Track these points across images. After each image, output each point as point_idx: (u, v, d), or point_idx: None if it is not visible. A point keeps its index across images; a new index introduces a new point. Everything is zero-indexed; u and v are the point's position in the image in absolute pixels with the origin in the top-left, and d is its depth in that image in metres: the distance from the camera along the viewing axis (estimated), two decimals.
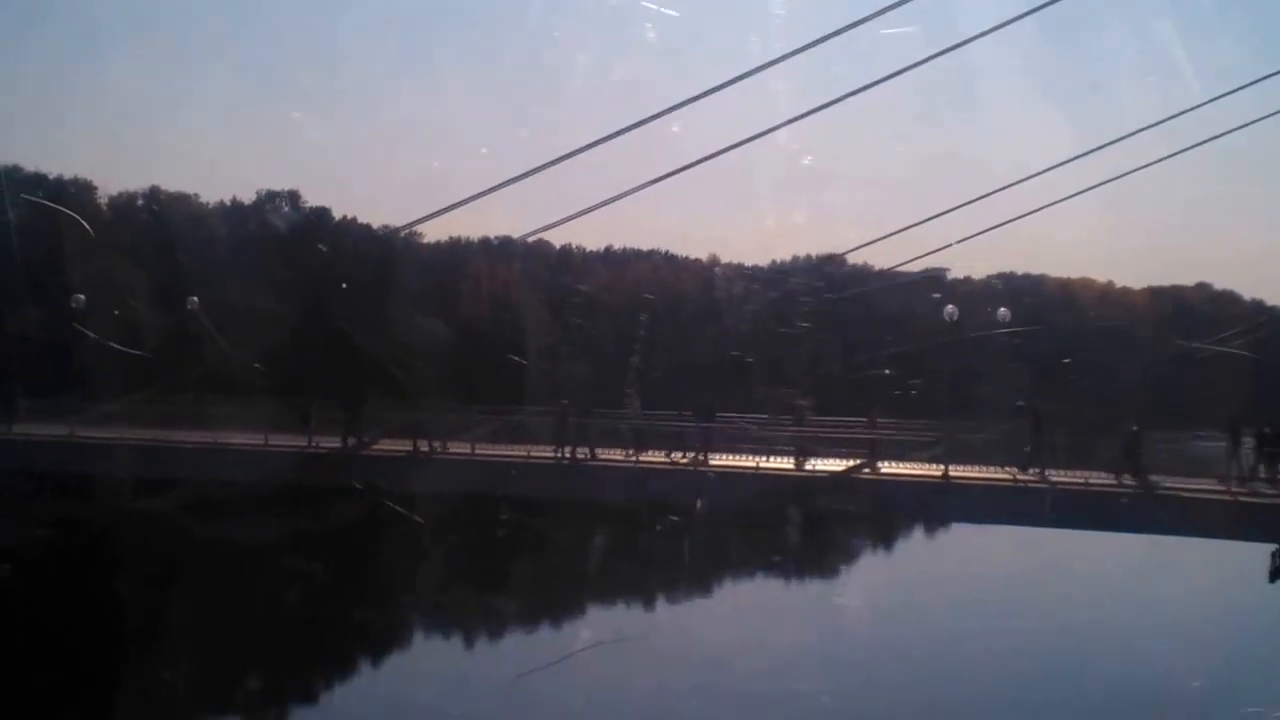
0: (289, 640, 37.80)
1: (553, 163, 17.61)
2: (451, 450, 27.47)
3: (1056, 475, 22.99)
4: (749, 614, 42.62)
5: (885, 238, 21.81)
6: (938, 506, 23.33)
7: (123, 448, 28.05)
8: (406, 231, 57.03)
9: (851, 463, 24.19)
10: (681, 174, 17.81)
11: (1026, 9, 17.19)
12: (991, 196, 20.28)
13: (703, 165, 17.72)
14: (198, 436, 28.74)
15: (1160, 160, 20.25)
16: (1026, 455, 23.55)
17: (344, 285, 47.02)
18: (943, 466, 23.42)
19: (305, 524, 43.13)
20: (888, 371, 51.90)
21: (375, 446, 28.16)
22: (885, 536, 55.02)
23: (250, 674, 35.23)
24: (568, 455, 26.67)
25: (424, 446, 27.84)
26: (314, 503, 41.56)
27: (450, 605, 41.98)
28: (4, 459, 30.20)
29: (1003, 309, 33.59)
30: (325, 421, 28.49)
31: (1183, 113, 19.05)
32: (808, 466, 24.84)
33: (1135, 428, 24.14)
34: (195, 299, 36.46)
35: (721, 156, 17.70)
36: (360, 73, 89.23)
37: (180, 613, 36.87)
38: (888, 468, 24.11)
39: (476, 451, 27.06)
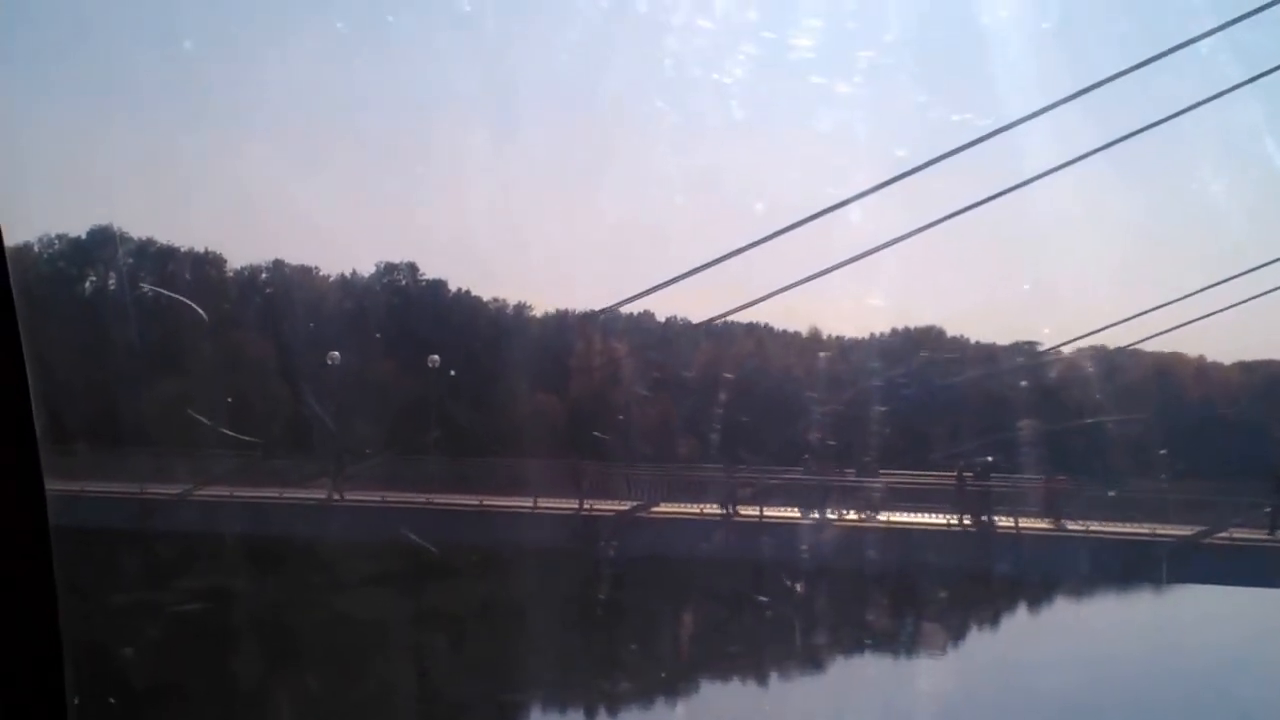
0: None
1: (710, 264, 18.55)
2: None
3: None
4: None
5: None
6: None
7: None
8: (517, 305, 58.29)
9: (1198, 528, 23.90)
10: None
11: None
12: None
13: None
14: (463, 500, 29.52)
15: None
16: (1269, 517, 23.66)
17: (469, 359, 47.76)
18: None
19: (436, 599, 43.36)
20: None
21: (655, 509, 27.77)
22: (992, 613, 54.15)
23: None
24: (974, 522, 25.99)
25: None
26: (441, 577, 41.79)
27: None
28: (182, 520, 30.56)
29: None
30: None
31: None
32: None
33: None
34: (436, 357, 36.95)
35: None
36: (468, 145, 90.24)
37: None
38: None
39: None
